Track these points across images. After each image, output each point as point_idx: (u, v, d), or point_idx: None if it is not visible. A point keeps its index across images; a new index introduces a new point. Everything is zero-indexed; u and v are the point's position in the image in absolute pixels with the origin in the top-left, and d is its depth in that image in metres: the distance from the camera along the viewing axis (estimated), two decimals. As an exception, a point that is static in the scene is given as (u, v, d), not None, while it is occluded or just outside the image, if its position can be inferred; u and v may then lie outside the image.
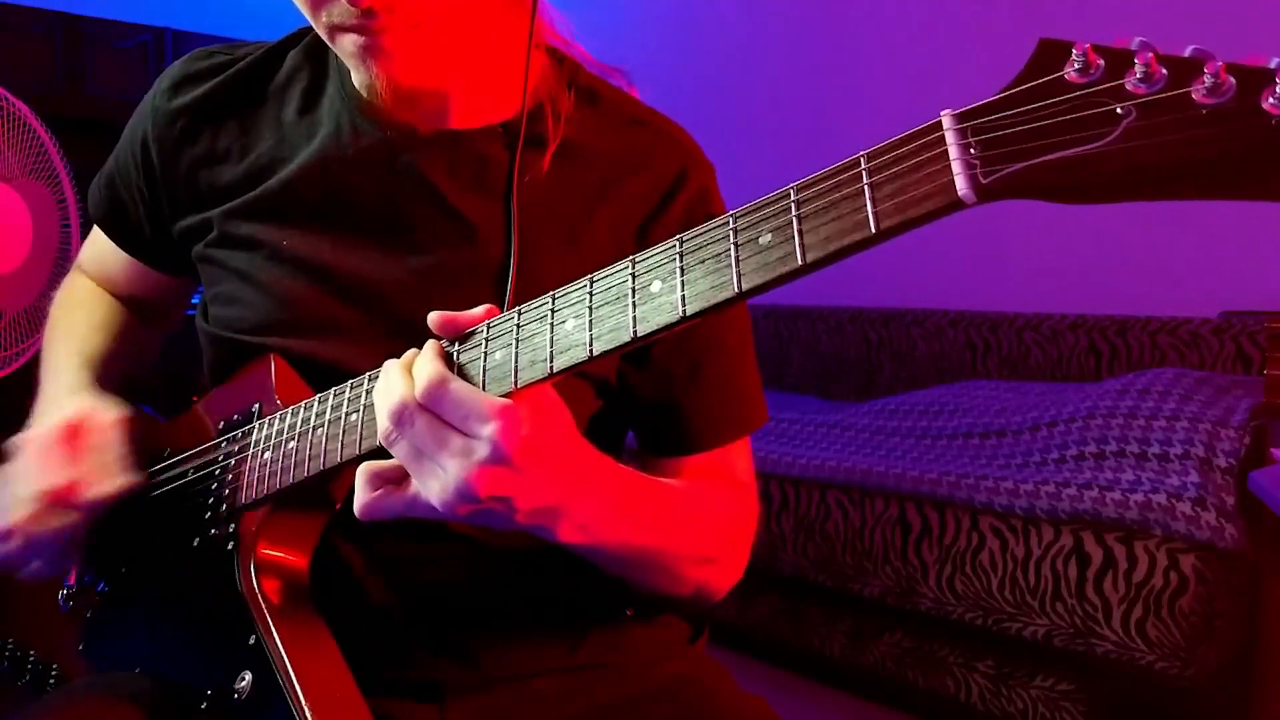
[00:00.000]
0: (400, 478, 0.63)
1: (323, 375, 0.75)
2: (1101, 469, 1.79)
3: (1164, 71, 0.39)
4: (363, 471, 0.63)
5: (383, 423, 0.60)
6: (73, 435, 0.80)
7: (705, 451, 0.85)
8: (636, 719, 0.81)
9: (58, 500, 0.77)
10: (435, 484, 0.59)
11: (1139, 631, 1.67)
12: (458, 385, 0.58)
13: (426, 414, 0.58)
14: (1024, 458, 1.94)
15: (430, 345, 0.63)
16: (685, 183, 0.82)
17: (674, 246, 0.54)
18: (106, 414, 0.82)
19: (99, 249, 0.99)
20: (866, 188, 0.46)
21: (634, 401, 0.84)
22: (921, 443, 2.19)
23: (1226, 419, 1.75)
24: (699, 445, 0.84)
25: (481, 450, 0.57)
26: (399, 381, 0.60)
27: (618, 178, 0.81)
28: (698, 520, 0.80)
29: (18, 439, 0.82)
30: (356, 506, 0.63)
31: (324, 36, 0.73)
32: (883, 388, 2.86)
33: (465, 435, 0.58)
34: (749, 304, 0.90)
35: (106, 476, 0.79)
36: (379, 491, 0.63)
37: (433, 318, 0.63)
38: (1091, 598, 1.73)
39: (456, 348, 0.63)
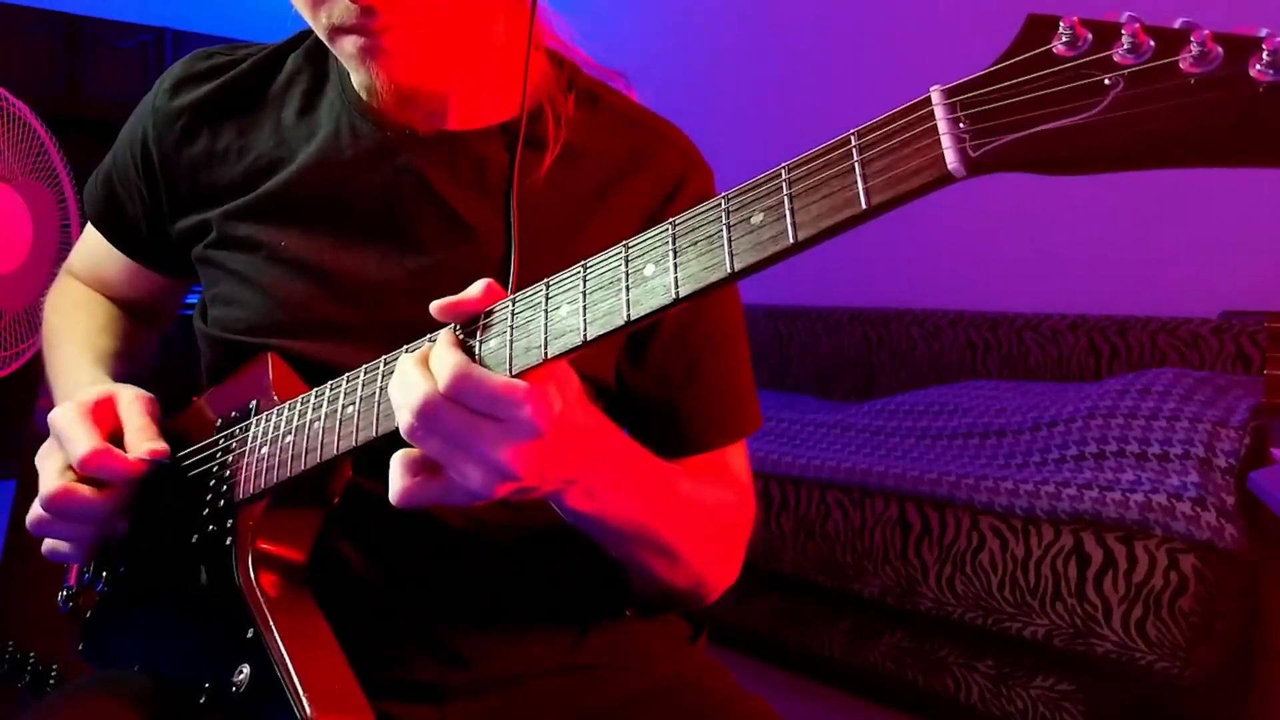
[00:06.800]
0: (437, 465, 0.62)
1: (321, 376, 0.74)
2: (1101, 469, 1.79)
3: (1151, 42, 0.39)
4: (398, 459, 0.62)
5: (406, 420, 0.58)
6: (100, 408, 0.79)
7: (704, 453, 0.85)
8: (636, 719, 0.81)
9: (88, 467, 0.75)
10: (475, 471, 0.58)
11: (1139, 631, 1.67)
12: (481, 373, 0.57)
13: (454, 405, 0.57)
14: (1024, 458, 1.94)
15: (445, 335, 0.61)
16: (685, 186, 0.83)
17: (666, 230, 0.54)
18: (129, 391, 0.82)
19: (92, 250, 0.98)
20: (857, 164, 0.46)
21: (633, 404, 0.84)
22: (921, 443, 2.19)
23: (1226, 419, 1.75)
24: (698, 446, 0.84)
25: (519, 432, 0.57)
26: (418, 378, 0.58)
27: (617, 179, 0.82)
28: (700, 505, 0.80)
29: (50, 415, 0.80)
30: (393, 494, 0.61)
31: (323, 38, 0.73)
32: (883, 388, 2.85)
33: (497, 420, 0.57)
34: (748, 305, 0.90)
35: (137, 443, 0.77)
36: (417, 479, 0.61)
37: (435, 306, 0.61)
38: (1091, 598, 1.73)
39: (465, 335, 0.62)
